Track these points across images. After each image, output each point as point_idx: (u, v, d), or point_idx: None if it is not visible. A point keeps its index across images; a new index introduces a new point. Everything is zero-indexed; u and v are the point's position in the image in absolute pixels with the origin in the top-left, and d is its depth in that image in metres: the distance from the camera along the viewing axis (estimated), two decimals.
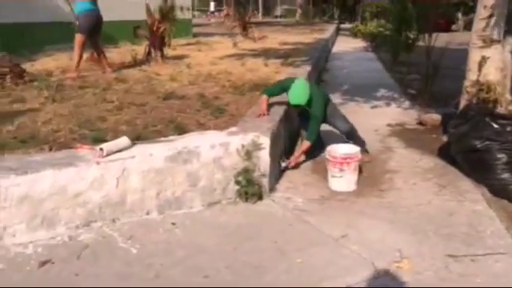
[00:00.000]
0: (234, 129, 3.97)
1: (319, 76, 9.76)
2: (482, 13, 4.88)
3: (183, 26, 13.87)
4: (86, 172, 3.15)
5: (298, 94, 4.22)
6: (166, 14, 10.74)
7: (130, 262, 2.78)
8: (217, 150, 3.59)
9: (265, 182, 3.79)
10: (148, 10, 8.57)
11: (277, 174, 4.13)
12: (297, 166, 4.37)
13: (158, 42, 8.44)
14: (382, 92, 8.28)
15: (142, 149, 3.41)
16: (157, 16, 8.69)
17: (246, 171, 3.68)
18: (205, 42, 12.74)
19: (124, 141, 3.39)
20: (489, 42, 4.84)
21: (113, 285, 2.56)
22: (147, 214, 3.39)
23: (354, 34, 21.54)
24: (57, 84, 5.96)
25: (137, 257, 2.85)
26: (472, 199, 3.71)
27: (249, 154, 3.68)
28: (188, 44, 12.19)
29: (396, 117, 6.53)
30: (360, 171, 4.09)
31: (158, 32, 8.39)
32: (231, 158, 3.64)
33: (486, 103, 4.67)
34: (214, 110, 4.86)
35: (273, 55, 9.58)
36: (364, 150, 4.66)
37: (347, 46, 17.05)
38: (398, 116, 6.56)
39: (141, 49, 8.84)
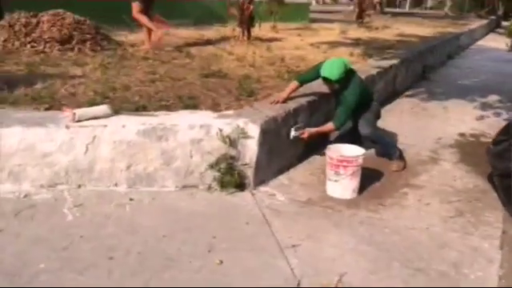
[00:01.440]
0: (229, 112, 3.73)
1: (423, 72, 8.85)
2: None
3: (299, 10, 13.67)
4: (55, 134, 3.22)
5: (331, 66, 3.88)
6: None
7: (55, 228, 2.78)
8: (196, 131, 3.40)
9: (249, 172, 3.51)
10: None
11: (277, 168, 3.80)
12: (309, 140, 3.95)
13: (246, 23, 8.36)
14: (489, 98, 7.15)
15: (116, 119, 3.37)
16: None
17: (228, 158, 3.44)
18: (313, 28, 12.36)
19: (102, 109, 3.39)
20: None
21: (20, 246, 2.57)
22: (116, 185, 3.36)
23: (510, 32, 18.95)
24: (121, 53, 6.25)
25: (67, 224, 2.84)
26: (484, 235, 2.99)
27: (232, 140, 3.43)
28: (296, 28, 11.93)
29: (478, 127, 5.61)
30: (376, 179, 3.60)
31: (246, 12, 8.30)
32: (213, 141, 3.42)
33: None
34: (244, 92, 4.63)
35: (373, 46, 8.88)
36: (397, 158, 4.08)
37: (493, 44, 15.10)
38: (482, 126, 5.61)
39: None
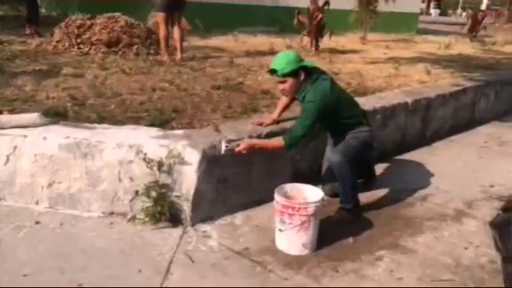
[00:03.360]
0: (178, 132, 3.16)
1: None
2: None
3: (405, 20, 12.45)
4: None
5: (278, 58, 3.10)
6: (367, 4, 9.85)
7: None
8: (124, 151, 2.91)
9: (185, 206, 2.91)
10: None
11: (238, 202, 3.14)
12: (248, 153, 2.97)
13: (314, 32, 7.64)
14: None
15: (41, 130, 3.01)
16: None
17: (159, 186, 2.88)
18: (414, 41, 11.08)
19: (31, 117, 3.07)
20: None
21: None
22: (36, 203, 3.01)
23: None
24: (160, 59, 6.03)
25: None
26: None
27: (165, 165, 2.87)
28: (392, 40, 10.79)
29: None
30: (356, 231, 2.78)
31: (315, 21, 7.58)
32: (143, 165, 2.89)
33: None
34: (244, 109, 4.04)
35: (468, 64, 7.52)
36: (346, 208, 3.15)
37: None
38: None
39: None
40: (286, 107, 3.48)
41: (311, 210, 2.61)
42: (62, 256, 2.51)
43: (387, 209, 3.36)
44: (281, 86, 3.13)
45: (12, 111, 3.50)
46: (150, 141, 2.95)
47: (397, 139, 4.46)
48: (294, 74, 3.03)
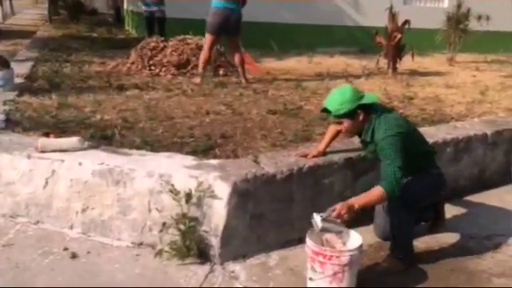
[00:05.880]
0: (213, 161, 2.98)
1: None
2: None
3: (502, 39, 11.42)
4: (18, 162, 3.02)
5: (332, 96, 2.77)
6: (457, 22, 9.21)
7: None
8: (154, 180, 2.78)
9: (214, 242, 2.71)
10: (390, 12, 7.35)
11: (276, 240, 2.88)
12: (350, 217, 2.45)
13: (392, 53, 7.18)
14: None
15: (78, 155, 2.99)
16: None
17: (188, 220, 2.71)
18: (510, 62, 10.06)
19: (71, 141, 3.05)
20: None
21: None
22: (71, 227, 2.97)
23: None
24: (224, 81, 5.97)
25: None
26: None
27: (195, 198, 2.69)
28: (484, 61, 9.90)
29: None
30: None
31: (393, 41, 7.12)
32: (173, 195, 2.74)
33: None
34: (294, 137, 3.80)
35: None
36: (397, 257, 2.72)
37: None
38: None
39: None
40: (335, 137, 3.16)
41: (345, 259, 2.27)
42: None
43: (450, 259, 2.90)
44: (344, 129, 2.82)
45: (63, 133, 3.56)
46: (181, 171, 2.80)
47: (473, 175, 3.92)
48: (350, 115, 2.69)
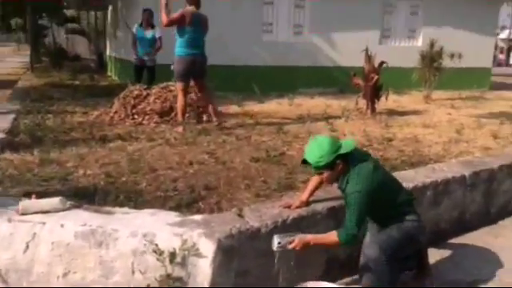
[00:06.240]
0: (196, 217, 2.98)
1: None
2: None
3: (475, 75, 11.82)
4: None
5: (311, 148, 2.87)
6: (431, 61, 9.52)
7: None
8: (138, 240, 2.76)
9: None
10: (366, 54, 7.57)
11: None
12: (302, 251, 2.76)
13: (370, 94, 7.36)
14: None
15: (59, 216, 2.96)
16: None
17: (172, 280, 2.69)
18: (486, 98, 10.37)
19: (53, 202, 3.03)
20: None
21: None
22: None
23: None
24: (206, 127, 6.02)
25: None
26: None
27: (179, 257, 2.68)
28: (459, 98, 10.20)
29: None
30: None
31: (370, 82, 7.31)
32: (157, 256, 2.73)
33: None
34: (278, 186, 3.83)
35: None
36: None
37: None
38: None
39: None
40: (318, 187, 3.21)
41: None
42: None
43: None
44: (325, 180, 2.95)
45: (45, 191, 3.54)
46: (164, 229, 2.79)
47: (453, 218, 3.98)
48: (329, 166, 2.79)
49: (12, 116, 6.49)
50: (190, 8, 5.96)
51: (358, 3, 11.20)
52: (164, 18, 5.87)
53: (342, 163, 2.81)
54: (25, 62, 18.94)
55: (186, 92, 6.13)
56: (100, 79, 13.35)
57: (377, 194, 2.73)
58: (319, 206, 3.17)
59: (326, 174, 2.87)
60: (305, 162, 2.89)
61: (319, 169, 2.83)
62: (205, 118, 6.74)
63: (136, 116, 6.55)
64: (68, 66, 17.03)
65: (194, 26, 5.97)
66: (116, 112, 6.73)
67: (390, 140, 5.65)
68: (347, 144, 2.88)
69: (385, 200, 2.82)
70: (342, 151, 2.80)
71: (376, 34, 11.66)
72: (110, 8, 15.23)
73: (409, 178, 3.75)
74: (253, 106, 8.16)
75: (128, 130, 6.00)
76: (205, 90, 6.37)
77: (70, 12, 27.22)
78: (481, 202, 4.18)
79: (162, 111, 6.60)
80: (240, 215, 2.99)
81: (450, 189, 3.92)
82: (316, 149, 2.80)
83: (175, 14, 5.90)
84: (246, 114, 7.27)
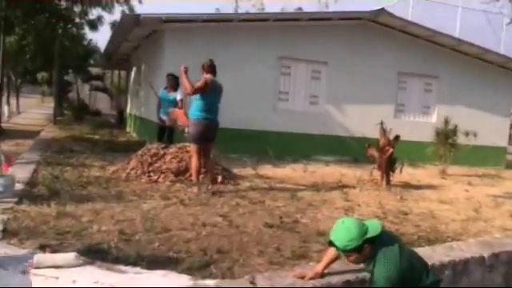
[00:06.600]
0: (209, 281, 2.94)
1: None
2: None
3: (491, 154, 11.84)
4: (12, 279, 2.96)
5: (339, 231, 2.84)
6: (446, 137, 9.60)
7: None
8: None
9: None
10: (381, 127, 7.67)
11: None
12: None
13: (384, 166, 7.38)
14: None
15: (72, 272, 2.95)
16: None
17: None
18: (502, 176, 10.29)
19: (67, 257, 3.04)
20: None
21: None
22: None
23: None
24: (220, 189, 6.05)
25: None
26: None
27: None
28: (475, 175, 10.13)
29: None
30: None
31: (385, 155, 7.35)
32: None
33: None
34: (296, 252, 3.79)
35: None
36: None
37: None
38: None
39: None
40: (334, 260, 3.16)
41: None
42: None
43: None
44: (351, 261, 2.93)
45: (59, 244, 3.55)
46: None
47: None
48: (357, 250, 2.79)
49: (32, 166, 6.62)
50: (209, 76, 6.22)
51: (373, 78, 11.51)
52: (188, 86, 6.08)
53: (369, 247, 2.80)
54: (48, 114, 19.51)
55: (199, 155, 6.23)
56: (119, 135, 13.64)
57: (405, 278, 2.73)
58: (334, 279, 3.11)
59: (353, 257, 2.87)
60: (331, 243, 2.88)
61: (347, 252, 2.83)
62: (219, 179, 6.78)
63: (152, 174, 6.62)
64: (89, 120, 17.50)
65: (213, 93, 6.22)
66: (133, 168, 6.81)
67: (406, 214, 5.60)
68: (373, 227, 2.87)
69: (412, 282, 2.78)
70: (370, 235, 2.80)
71: (390, 108, 11.87)
72: (134, 69, 15.83)
73: (427, 256, 3.66)
74: (267, 170, 8.20)
75: (144, 187, 6.05)
76: (209, 154, 6.44)
77: (95, 70, 28.37)
78: (501, 285, 4.06)
79: (177, 171, 6.67)
80: (253, 283, 2.94)
81: (469, 269, 3.83)
82: (344, 233, 2.81)
83: (199, 83, 6.13)
84: (260, 177, 7.29)
